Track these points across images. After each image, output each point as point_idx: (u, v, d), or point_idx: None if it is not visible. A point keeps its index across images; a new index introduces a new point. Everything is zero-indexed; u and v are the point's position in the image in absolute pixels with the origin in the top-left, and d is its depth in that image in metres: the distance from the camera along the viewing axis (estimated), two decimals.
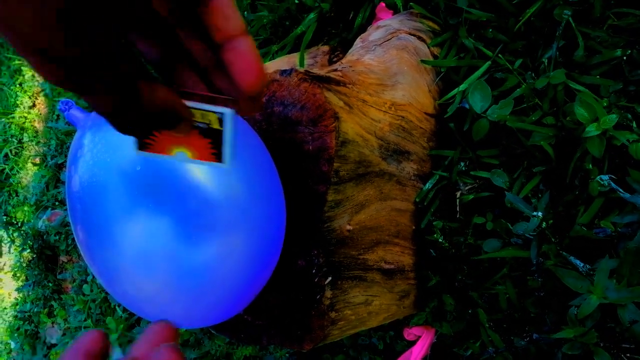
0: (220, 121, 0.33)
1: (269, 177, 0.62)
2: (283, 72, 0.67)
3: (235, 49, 0.29)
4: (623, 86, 0.71)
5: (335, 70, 0.74)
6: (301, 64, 0.94)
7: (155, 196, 0.58)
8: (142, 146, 0.33)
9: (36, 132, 2.07)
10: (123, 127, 0.27)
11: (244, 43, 0.29)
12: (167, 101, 0.29)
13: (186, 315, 0.62)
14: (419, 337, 0.88)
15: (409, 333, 0.89)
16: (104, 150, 0.60)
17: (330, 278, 0.66)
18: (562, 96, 0.73)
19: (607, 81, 0.71)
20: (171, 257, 0.57)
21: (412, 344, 0.89)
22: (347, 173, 0.68)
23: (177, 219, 0.58)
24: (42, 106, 2.09)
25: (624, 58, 0.71)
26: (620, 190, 0.63)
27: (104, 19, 0.23)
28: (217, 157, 0.34)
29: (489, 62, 0.79)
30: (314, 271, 0.65)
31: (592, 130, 0.66)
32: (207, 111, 0.32)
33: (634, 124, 0.68)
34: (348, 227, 0.70)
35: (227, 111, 0.32)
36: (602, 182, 0.67)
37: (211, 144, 0.34)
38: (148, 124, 0.28)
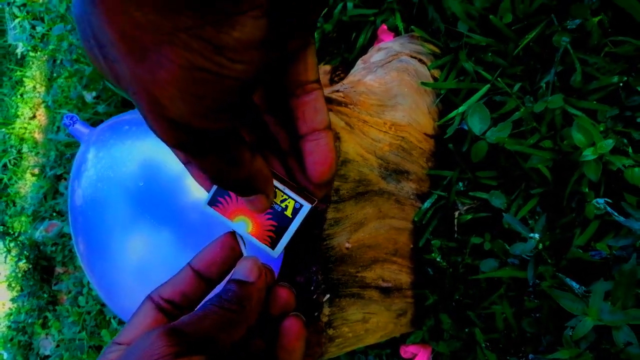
0: (295, 212, 0.34)
1: None
2: None
3: (316, 141, 0.32)
4: (619, 112, 0.72)
5: (337, 91, 0.75)
6: None
7: (156, 211, 0.59)
8: (213, 202, 0.34)
9: (36, 143, 2.08)
10: (217, 180, 0.29)
11: (326, 137, 0.32)
12: (262, 171, 0.31)
13: None
14: (415, 355, 0.88)
15: (406, 351, 0.89)
16: (107, 165, 0.61)
17: (328, 295, 0.66)
18: (560, 120, 0.74)
19: (604, 107, 0.73)
20: (171, 271, 0.58)
21: None
22: (347, 192, 0.68)
23: (178, 233, 0.59)
24: (43, 117, 2.10)
25: (621, 84, 0.73)
26: (615, 214, 0.64)
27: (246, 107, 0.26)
28: (272, 242, 0.35)
29: (488, 85, 0.81)
30: (312, 288, 0.65)
31: (588, 154, 0.67)
32: (290, 197, 0.34)
33: (630, 150, 0.69)
34: (347, 245, 0.70)
35: (307, 205, 0.34)
36: (598, 206, 0.68)
37: (273, 228, 0.35)
38: (237, 185, 0.30)
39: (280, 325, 0.34)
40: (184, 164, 0.34)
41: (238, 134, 0.27)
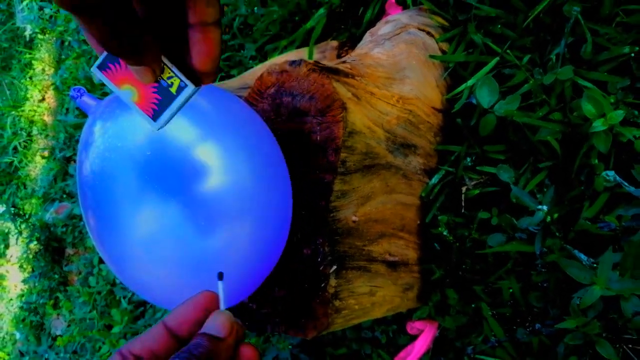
0: (180, 90, 0.36)
1: (277, 166, 0.63)
2: (292, 63, 0.67)
3: (203, 34, 0.33)
4: (630, 83, 0.71)
5: (344, 62, 0.75)
6: (310, 58, 0.95)
7: (164, 182, 0.59)
8: (102, 66, 0.35)
9: (45, 125, 2.09)
10: (104, 44, 0.30)
11: (212, 30, 0.33)
12: (150, 44, 0.32)
13: None
14: (422, 330, 0.88)
15: (412, 327, 0.89)
16: (114, 136, 0.61)
17: (335, 267, 0.66)
18: (570, 92, 0.73)
19: (614, 78, 0.72)
20: (179, 242, 0.58)
21: (414, 337, 0.90)
22: (353, 164, 0.68)
23: (186, 205, 0.59)
24: (52, 100, 2.11)
25: (632, 55, 0.71)
26: (626, 184, 0.63)
27: None
28: (154, 114, 0.36)
29: (497, 58, 0.80)
30: (319, 260, 0.65)
31: (598, 125, 0.66)
32: (176, 76, 0.35)
33: None
34: (354, 218, 0.70)
35: (191, 86, 0.36)
36: (607, 178, 0.67)
37: (157, 102, 0.36)
38: (123, 52, 0.31)
39: None
40: (82, 28, 0.35)
41: (127, 5, 0.28)
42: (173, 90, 0.36)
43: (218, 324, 0.33)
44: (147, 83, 0.35)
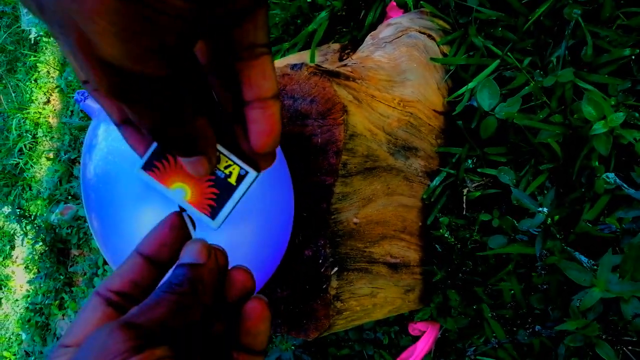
0: (240, 179, 0.32)
1: (278, 168, 0.63)
2: (294, 66, 0.68)
3: (262, 110, 0.30)
4: (631, 85, 0.71)
5: (345, 65, 0.75)
6: (312, 61, 0.95)
7: None
8: (148, 167, 0.32)
9: (50, 127, 2.11)
10: (154, 134, 0.27)
11: (272, 106, 0.30)
12: (205, 130, 0.29)
13: None
14: (424, 332, 0.89)
15: (414, 328, 0.90)
16: (117, 139, 0.62)
17: (336, 269, 0.67)
18: (570, 94, 0.73)
19: (615, 80, 0.72)
20: None
21: (416, 339, 0.90)
22: (354, 166, 0.69)
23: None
24: (57, 102, 2.13)
25: (633, 57, 0.72)
26: (626, 186, 0.63)
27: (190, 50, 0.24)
28: (212, 212, 0.32)
29: (497, 61, 0.80)
30: (320, 261, 0.66)
31: (599, 128, 0.67)
32: (235, 163, 0.31)
33: None
34: (355, 220, 0.71)
35: (252, 173, 0.31)
36: (608, 180, 0.68)
37: (214, 196, 0.32)
38: (176, 142, 0.28)
39: (241, 308, 0.32)
40: (118, 125, 0.31)
41: (179, 86, 0.25)
42: (232, 180, 0.31)
43: (193, 250, 0.30)
44: (202, 176, 0.31)
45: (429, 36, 0.87)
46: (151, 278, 0.31)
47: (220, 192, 0.31)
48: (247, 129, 0.30)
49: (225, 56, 0.29)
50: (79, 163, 1.81)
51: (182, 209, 0.32)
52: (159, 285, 0.29)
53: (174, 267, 0.31)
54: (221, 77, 0.31)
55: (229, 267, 0.33)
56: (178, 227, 0.32)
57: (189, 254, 0.30)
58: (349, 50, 1.03)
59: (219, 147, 0.31)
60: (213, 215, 0.32)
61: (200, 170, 0.30)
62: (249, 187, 0.32)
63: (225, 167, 0.31)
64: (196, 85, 0.30)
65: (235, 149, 0.32)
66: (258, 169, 0.32)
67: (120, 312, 0.30)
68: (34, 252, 1.95)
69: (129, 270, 0.31)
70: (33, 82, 2.18)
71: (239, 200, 0.32)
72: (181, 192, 0.32)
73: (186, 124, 0.27)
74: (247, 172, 0.31)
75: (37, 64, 2.17)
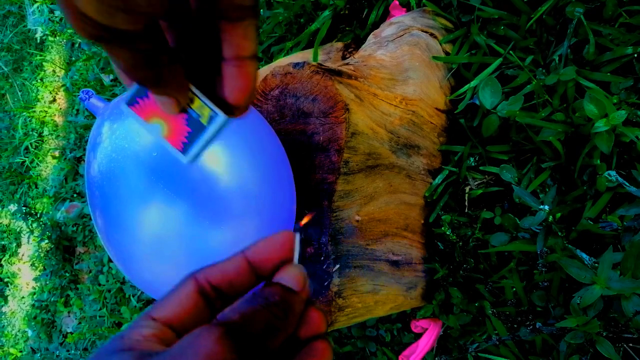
0: (211, 120, 0.34)
1: (281, 166, 0.64)
2: (296, 65, 0.68)
3: (238, 68, 0.32)
4: (633, 83, 0.71)
5: (347, 64, 0.75)
6: (315, 59, 0.96)
7: (170, 182, 0.60)
8: (131, 102, 0.35)
9: (56, 126, 2.12)
10: (129, 73, 0.30)
11: (249, 65, 0.33)
12: (177, 74, 0.32)
13: None
14: (426, 329, 0.89)
15: (416, 325, 0.90)
16: (121, 137, 0.62)
17: (338, 266, 0.67)
18: (572, 93, 0.73)
19: (617, 78, 0.72)
20: (186, 241, 0.59)
21: (419, 336, 0.91)
22: (356, 164, 0.69)
23: (192, 205, 0.60)
24: (62, 101, 2.14)
25: (635, 55, 0.72)
26: (627, 184, 0.64)
27: None
28: (185, 148, 0.35)
29: (500, 59, 0.80)
30: (322, 258, 0.66)
31: (601, 126, 0.67)
32: (206, 105, 0.34)
33: None
34: (357, 217, 0.71)
35: (222, 116, 0.34)
36: (610, 178, 0.68)
37: (188, 135, 0.35)
38: (149, 80, 0.31)
39: (307, 346, 0.32)
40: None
41: (148, 38, 0.28)
42: (204, 121, 0.34)
43: (293, 276, 0.31)
44: (172, 114, 0.34)
45: (432, 35, 0.87)
46: (248, 285, 0.32)
47: (192, 131, 0.35)
48: (223, 83, 0.33)
49: (211, 13, 0.31)
50: (84, 161, 1.82)
51: (297, 229, 0.35)
52: (252, 295, 0.29)
53: (267, 284, 0.31)
54: (204, 31, 0.33)
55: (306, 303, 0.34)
56: (289, 248, 0.32)
57: (288, 278, 0.31)
58: (352, 49, 1.03)
59: (194, 90, 0.34)
60: (185, 151, 0.35)
61: (169, 108, 0.33)
62: (220, 129, 0.34)
63: (198, 108, 0.34)
64: (164, 37, 0.32)
65: (211, 95, 0.34)
66: (230, 114, 0.35)
67: (208, 306, 0.31)
68: (40, 250, 1.97)
69: (232, 269, 0.31)
70: (39, 81, 2.20)
71: (209, 140, 0.35)
72: (158, 128, 0.35)
73: (156, 68, 0.30)
74: (217, 114, 0.34)
75: (43, 63, 2.19)
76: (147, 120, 0.35)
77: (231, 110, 0.34)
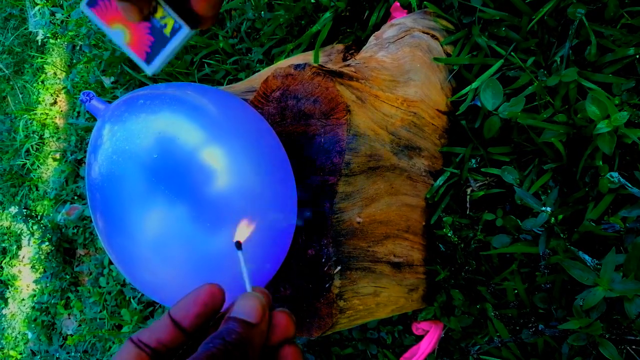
0: (174, 32, 0.34)
1: (282, 168, 0.63)
2: (297, 66, 0.68)
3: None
4: (635, 84, 0.71)
5: (349, 65, 0.75)
6: (316, 61, 0.96)
7: (171, 184, 0.60)
8: (92, 3, 0.34)
9: (57, 128, 2.12)
10: None
11: None
12: None
13: None
14: (427, 331, 0.89)
15: (417, 327, 0.90)
16: (122, 138, 0.62)
17: (339, 268, 0.67)
18: (574, 94, 0.73)
19: (619, 79, 0.72)
20: (186, 243, 0.59)
21: (420, 338, 0.90)
22: (358, 166, 0.69)
23: (192, 207, 0.59)
24: (63, 103, 2.14)
25: (637, 56, 0.71)
26: (629, 185, 0.63)
27: None
28: (147, 57, 0.35)
29: (501, 60, 0.80)
30: (323, 260, 0.66)
31: (603, 127, 0.66)
32: (170, 16, 0.34)
33: None
34: (358, 219, 0.71)
35: (185, 28, 0.34)
36: (612, 179, 0.67)
37: (151, 44, 0.34)
38: None
39: (277, 353, 0.32)
40: None
41: None
42: (167, 31, 0.34)
43: (249, 308, 0.31)
44: (133, 22, 0.33)
45: (433, 36, 0.87)
46: (176, 340, 0.32)
47: (155, 41, 0.34)
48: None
49: None
50: (85, 163, 1.82)
51: (238, 245, 0.34)
52: (210, 338, 0.29)
53: (226, 318, 0.31)
54: None
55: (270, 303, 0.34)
56: (204, 303, 0.33)
57: (244, 310, 0.31)
58: (353, 51, 1.03)
59: (160, 0, 0.33)
60: (148, 60, 0.35)
61: (130, 15, 0.32)
62: (183, 41, 0.34)
63: (162, 18, 0.34)
64: None
65: (177, 6, 0.34)
66: (195, 26, 0.34)
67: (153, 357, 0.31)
68: (40, 252, 1.97)
69: (158, 329, 0.32)
70: (40, 83, 2.20)
71: (172, 52, 0.34)
72: (120, 34, 0.34)
73: None
74: (180, 26, 0.33)
75: (44, 66, 2.19)
76: (109, 25, 0.34)
77: (197, 22, 0.34)
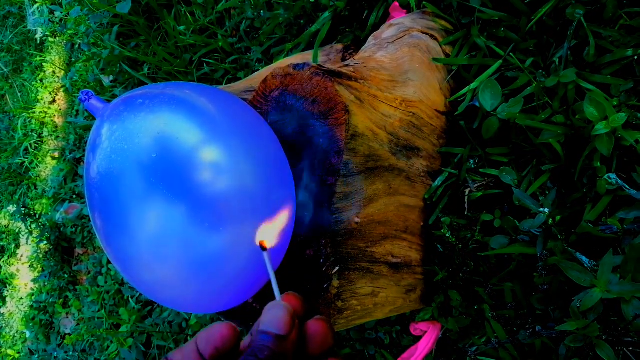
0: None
1: (280, 168, 0.63)
2: (296, 66, 0.68)
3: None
4: (634, 85, 0.71)
5: (347, 65, 0.75)
6: (315, 61, 0.96)
7: (169, 184, 0.60)
8: None
9: (56, 127, 2.12)
10: None
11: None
12: None
13: (196, 301, 0.63)
14: (425, 332, 0.89)
15: (415, 328, 0.90)
16: (121, 138, 0.62)
17: (337, 268, 0.67)
18: (573, 95, 0.73)
19: (617, 80, 0.72)
20: (184, 243, 0.59)
21: (418, 339, 0.90)
22: (356, 166, 0.69)
23: (191, 206, 0.59)
24: (62, 102, 2.14)
25: (635, 57, 0.71)
26: (627, 187, 0.63)
27: None
28: None
29: (500, 61, 0.80)
30: (321, 261, 0.66)
31: (601, 128, 0.67)
32: None
33: None
34: (356, 219, 0.71)
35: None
36: (610, 180, 0.67)
37: None
38: None
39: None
40: None
41: None
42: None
43: (278, 320, 0.31)
44: None
45: (432, 36, 0.87)
46: None
47: None
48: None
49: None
50: (84, 162, 1.82)
51: (264, 248, 0.35)
52: (245, 355, 0.29)
53: (256, 332, 0.31)
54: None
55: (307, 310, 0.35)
56: (226, 340, 0.32)
57: (273, 322, 0.31)
58: (352, 51, 1.03)
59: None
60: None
61: None
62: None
63: None
64: None
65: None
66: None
67: None
68: (39, 251, 1.97)
69: (187, 351, 0.32)
70: (39, 82, 2.19)
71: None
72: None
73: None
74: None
75: (43, 64, 2.19)
76: None
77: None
